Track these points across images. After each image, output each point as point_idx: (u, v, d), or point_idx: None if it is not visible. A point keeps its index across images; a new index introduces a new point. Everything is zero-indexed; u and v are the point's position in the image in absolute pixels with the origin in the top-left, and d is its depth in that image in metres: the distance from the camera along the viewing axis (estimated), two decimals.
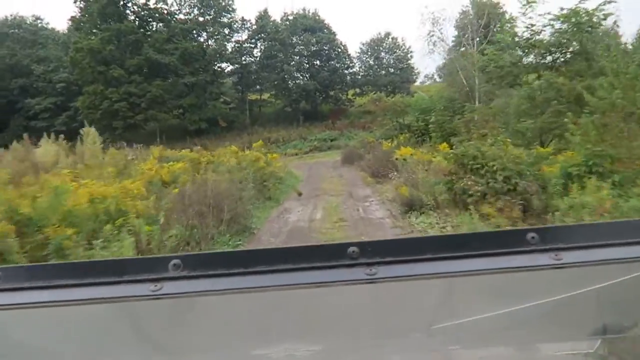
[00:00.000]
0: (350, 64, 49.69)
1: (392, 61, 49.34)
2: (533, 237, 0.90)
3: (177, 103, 47.56)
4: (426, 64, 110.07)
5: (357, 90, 50.22)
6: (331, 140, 40.16)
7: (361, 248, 0.89)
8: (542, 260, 0.88)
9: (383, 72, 49.03)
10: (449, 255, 0.90)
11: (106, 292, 0.88)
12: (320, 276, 0.89)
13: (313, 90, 47.67)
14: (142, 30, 47.08)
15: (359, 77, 50.48)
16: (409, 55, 48.80)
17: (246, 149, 42.74)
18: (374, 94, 28.68)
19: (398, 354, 1.23)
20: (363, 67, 50.33)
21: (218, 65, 48.63)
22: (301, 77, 47.90)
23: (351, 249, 0.89)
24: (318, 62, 48.78)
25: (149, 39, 46.81)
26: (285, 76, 46.36)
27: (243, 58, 49.92)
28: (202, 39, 47.46)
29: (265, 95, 52.77)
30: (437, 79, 55.79)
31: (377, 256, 0.89)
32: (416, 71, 49.49)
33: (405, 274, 0.88)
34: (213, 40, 46.73)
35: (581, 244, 0.90)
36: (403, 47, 49.46)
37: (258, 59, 49.51)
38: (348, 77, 49.74)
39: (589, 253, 0.89)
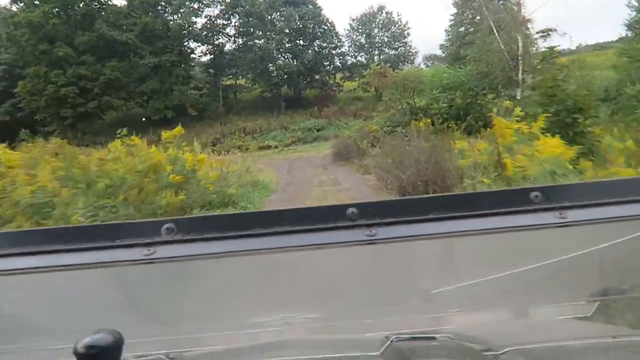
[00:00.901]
0: (339, 44, 41.69)
1: (386, 39, 41.47)
2: (537, 196, 0.86)
3: (139, 89, 38.96)
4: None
5: (347, 73, 42.15)
6: (317, 130, 32.56)
7: (360, 209, 0.86)
8: (546, 219, 0.84)
9: (376, 51, 41.03)
10: (451, 215, 0.85)
11: (98, 256, 0.84)
12: (319, 238, 0.84)
13: (296, 73, 39.80)
14: (94, 2, 38.24)
15: (349, 58, 42.48)
16: (405, 33, 40.85)
17: (214, 142, 34.53)
18: (377, 65, 20.65)
19: (399, 318, 1.14)
20: (353, 47, 42.53)
21: (186, 44, 39.98)
22: (282, 58, 39.67)
23: (350, 210, 0.85)
24: (301, 42, 40.82)
25: (103, 13, 38.24)
26: (264, 56, 38.10)
27: (215, 37, 41.33)
28: (166, 14, 38.59)
29: (242, 81, 44.45)
30: (424, 67, 48.00)
31: (376, 217, 0.85)
32: (413, 50, 41.51)
33: (406, 235, 0.85)
34: (178, 15, 38.04)
35: (585, 202, 0.86)
36: (399, 22, 41.56)
37: (233, 38, 40.99)
38: (336, 59, 41.60)
39: (594, 211, 0.85)
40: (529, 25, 22.59)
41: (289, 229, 0.85)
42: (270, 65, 40.63)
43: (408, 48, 42.32)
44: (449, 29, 47.34)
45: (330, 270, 1.00)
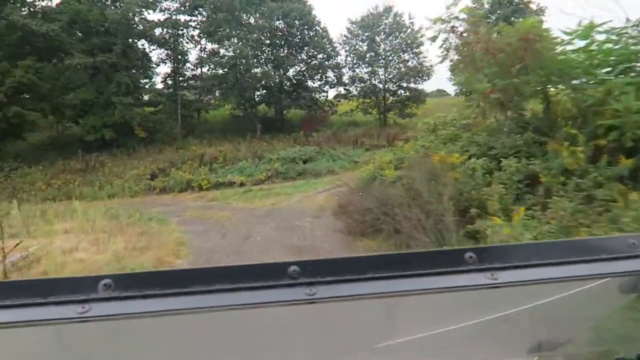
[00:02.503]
0: (332, 53, 30.92)
1: (396, 48, 30.85)
2: (471, 257, 0.89)
3: (66, 99, 27.80)
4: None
5: (342, 90, 31.57)
6: (304, 162, 21.82)
7: (301, 267, 0.85)
8: (479, 280, 0.87)
9: (381, 62, 30.54)
10: (389, 275, 0.87)
11: (29, 314, 0.79)
12: (259, 296, 0.83)
13: (277, 87, 29.02)
14: None
15: (345, 71, 31.83)
16: (419, 41, 30.42)
17: (154, 174, 23.30)
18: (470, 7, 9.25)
19: None
20: (351, 56, 31.78)
21: (136, 45, 28.99)
22: (260, 68, 28.85)
23: (291, 268, 0.85)
24: (286, 48, 29.93)
25: None
26: (237, 63, 27.35)
27: (176, 40, 30.47)
28: (106, 1, 27.64)
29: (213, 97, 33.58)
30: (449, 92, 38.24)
31: (317, 275, 0.85)
32: (428, 64, 31.07)
33: (346, 294, 0.84)
34: (122, 4, 27.15)
35: (515, 263, 0.90)
36: (410, 28, 31.20)
37: (197, 39, 30.28)
38: (329, 72, 30.95)
39: (523, 273, 0.89)
40: None
41: (230, 287, 0.82)
42: (244, 74, 29.77)
43: (422, 60, 32.06)
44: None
45: (272, 328, 0.96)
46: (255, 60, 30.95)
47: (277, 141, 28.73)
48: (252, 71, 29.86)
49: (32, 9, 28.30)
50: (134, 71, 31.03)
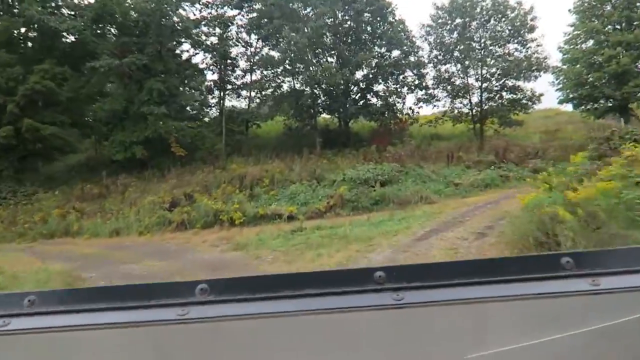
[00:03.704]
0: (411, 49, 23.66)
1: (496, 36, 23.01)
2: (568, 262, 0.84)
3: (89, 110, 22.63)
4: None
5: (422, 94, 24.12)
6: (382, 185, 13.66)
7: (387, 273, 0.86)
8: (578, 286, 0.82)
9: (477, 54, 22.70)
10: (479, 281, 0.85)
11: (134, 316, 0.86)
12: (347, 301, 0.85)
13: (342, 91, 21.94)
14: None
15: (429, 69, 24.44)
16: (528, 25, 22.42)
17: (175, 201, 16.91)
18: None
19: None
20: (437, 52, 24.22)
21: (175, 46, 23.42)
22: (320, 67, 22.11)
23: (377, 273, 0.85)
24: (353, 45, 23.11)
25: None
26: (293, 62, 20.86)
27: (224, 43, 24.69)
28: None
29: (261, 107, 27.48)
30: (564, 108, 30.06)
31: (403, 281, 0.85)
32: (542, 55, 22.89)
33: (434, 300, 0.84)
34: None
35: (620, 269, 0.83)
36: (518, 9, 23.29)
37: (246, 35, 24.38)
38: (408, 72, 23.66)
39: (629, 279, 0.82)
40: None
41: (318, 291, 0.84)
42: (301, 76, 23.22)
43: (534, 50, 23.86)
44: (564, 46, 28.93)
45: (359, 332, 0.93)
46: (316, 59, 24.38)
47: (342, 158, 21.75)
48: (311, 71, 23.19)
49: (51, 3, 23.56)
50: (172, 76, 25.51)
